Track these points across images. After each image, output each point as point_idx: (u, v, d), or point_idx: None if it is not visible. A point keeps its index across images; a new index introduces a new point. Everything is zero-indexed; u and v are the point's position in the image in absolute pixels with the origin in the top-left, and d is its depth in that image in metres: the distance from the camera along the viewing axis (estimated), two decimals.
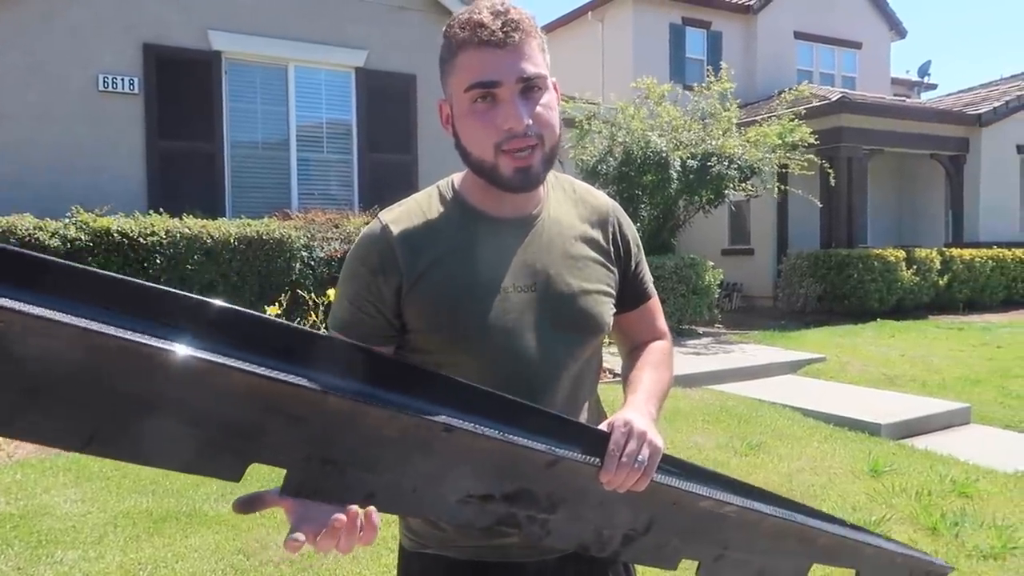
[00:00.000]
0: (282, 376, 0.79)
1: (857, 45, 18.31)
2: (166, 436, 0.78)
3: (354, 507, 0.87)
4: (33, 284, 0.69)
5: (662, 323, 1.37)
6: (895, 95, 19.26)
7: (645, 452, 1.01)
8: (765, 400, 6.15)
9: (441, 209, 1.20)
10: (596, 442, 1.02)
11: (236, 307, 0.83)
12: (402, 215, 1.18)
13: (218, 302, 0.81)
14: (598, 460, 1.00)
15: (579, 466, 1.00)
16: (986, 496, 4.08)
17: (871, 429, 5.35)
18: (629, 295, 1.30)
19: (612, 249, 1.26)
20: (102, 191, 6.89)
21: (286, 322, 0.88)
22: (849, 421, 5.50)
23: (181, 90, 7.80)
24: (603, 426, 1.06)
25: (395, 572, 1.35)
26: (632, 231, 1.32)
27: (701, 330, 9.88)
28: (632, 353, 1.33)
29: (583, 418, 1.23)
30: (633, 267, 1.30)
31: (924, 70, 22.95)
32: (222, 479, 0.83)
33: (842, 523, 1.29)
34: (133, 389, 0.75)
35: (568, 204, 1.27)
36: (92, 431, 0.76)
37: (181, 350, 0.74)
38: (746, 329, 10.29)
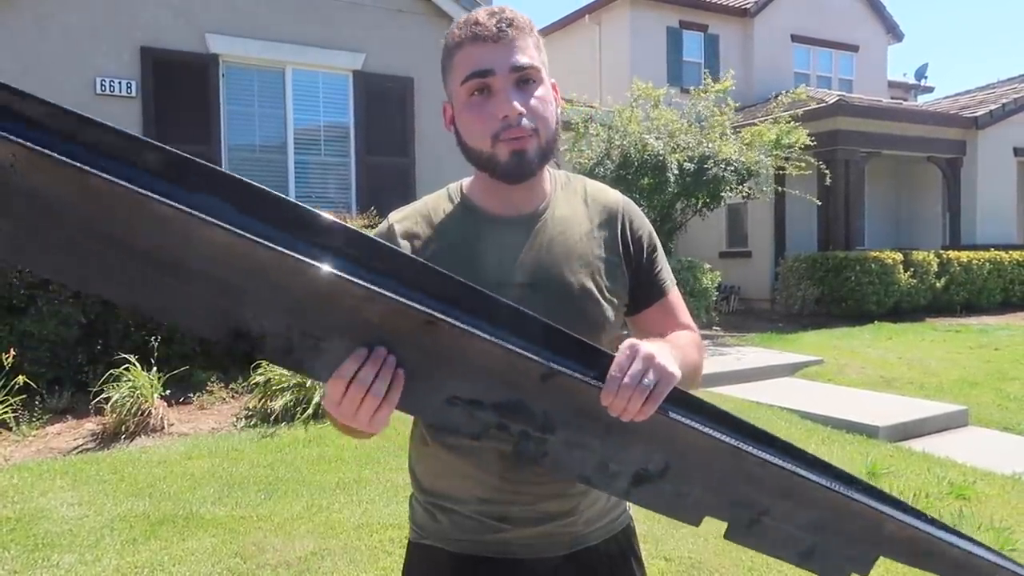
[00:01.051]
0: (263, 241, 0.81)
1: (854, 48, 18.35)
2: (153, 283, 0.83)
3: (382, 352, 0.89)
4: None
5: (686, 318, 1.32)
6: (892, 98, 19.30)
7: (651, 376, 0.93)
8: (763, 403, 6.15)
9: (447, 209, 1.24)
10: (602, 362, 0.96)
11: (244, 179, 0.90)
12: (409, 214, 1.24)
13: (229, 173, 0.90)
14: (600, 382, 0.94)
15: (578, 384, 0.94)
16: (984, 498, 4.08)
17: (869, 431, 5.35)
18: (644, 291, 1.27)
19: (621, 246, 1.25)
20: None
21: (288, 199, 0.91)
22: (847, 423, 5.50)
23: (178, 93, 7.80)
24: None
25: (394, 574, 1.35)
26: (644, 227, 1.30)
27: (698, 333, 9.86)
28: None
29: None
30: (645, 262, 1.27)
31: (921, 73, 23.03)
32: (204, 336, 0.89)
33: (927, 519, 1.11)
34: (124, 233, 0.81)
35: (577, 203, 1.27)
36: (89, 269, 0.83)
37: (171, 205, 0.79)
38: (744, 332, 10.29)
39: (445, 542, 1.23)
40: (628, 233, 1.27)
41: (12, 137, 0.75)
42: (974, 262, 12.69)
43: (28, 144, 0.76)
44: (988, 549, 1.14)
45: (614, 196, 1.31)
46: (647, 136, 9.67)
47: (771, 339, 9.56)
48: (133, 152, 0.84)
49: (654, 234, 1.31)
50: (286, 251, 0.82)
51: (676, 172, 9.38)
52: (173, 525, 3.59)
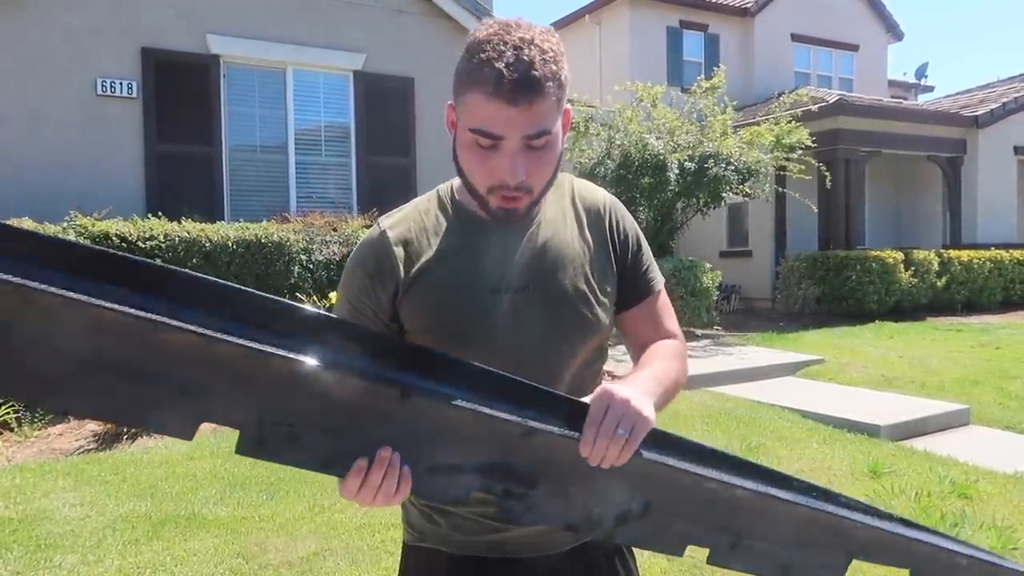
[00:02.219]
0: (221, 336, 0.80)
1: (854, 47, 18.34)
2: (114, 391, 0.81)
3: (386, 454, 0.92)
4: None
5: (672, 324, 1.31)
6: (892, 97, 19.29)
7: (628, 423, 0.95)
8: (764, 402, 6.15)
9: (438, 213, 1.23)
10: (578, 414, 0.98)
11: (190, 273, 0.88)
12: (400, 220, 1.22)
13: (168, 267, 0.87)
14: (577, 433, 0.96)
15: (556, 439, 0.96)
16: (986, 497, 4.08)
17: (870, 430, 5.35)
18: (629, 289, 1.27)
19: (609, 245, 1.26)
20: (100, 195, 6.89)
21: (245, 288, 0.90)
22: (848, 423, 5.50)
23: (180, 94, 7.81)
24: (588, 398, 1.01)
25: (395, 573, 1.35)
26: (630, 224, 1.30)
27: (700, 332, 9.88)
28: (640, 353, 1.28)
29: None
30: (631, 260, 1.27)
31: (921, 72, 23.00)
32: (175, 437, 0.86)
33: (893, 518, 1.17)
34: (74, 346, 0.78)
35: (565, 204, 1.27)
36: (43, 386, 0.80)
37: (116, 308, 0.77)
38: (745, 331, 10.29)
39: (444, 544, 1.23)
40: (615, 232, 1.27)
41: None
42: (975, 261, 12.68)
43: None
44: (959, 542, 1.20)
45: (601, 195, 1.31)
46: (647, 136, 9.67)
47: (772, 338, 9.55)
48: (69, 257, 0.81)
49: (640, 233, 1.32)
50: (247, 344, 0.82)
51: (677, 171, 9.38)
52: (175, 526, 3.59)
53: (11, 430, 4.92)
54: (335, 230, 7.01)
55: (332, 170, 8.74)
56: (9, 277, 0.73)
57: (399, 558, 1.32)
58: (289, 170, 8.44)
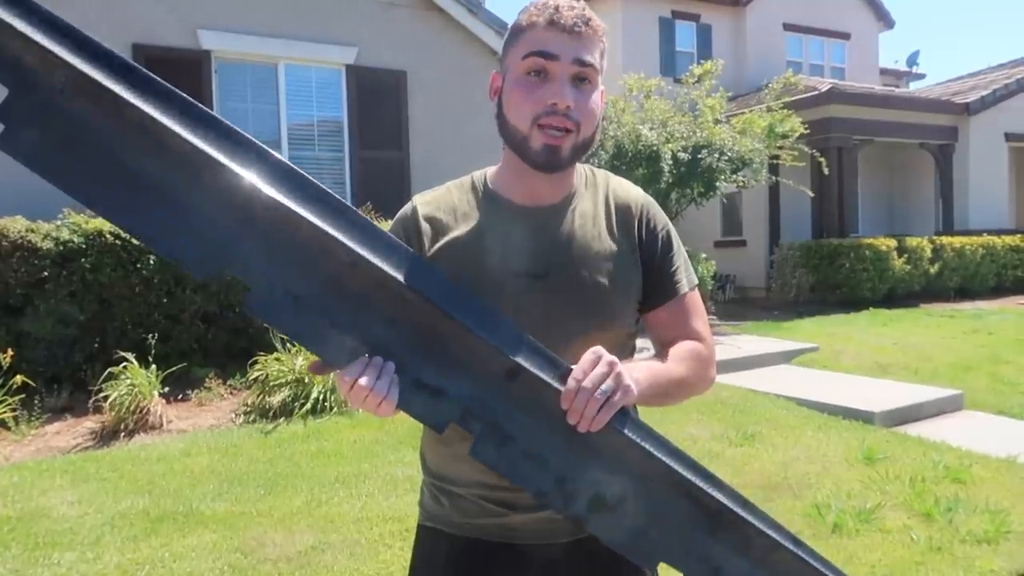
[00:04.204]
0: (266, 191, 0.90)
1: (846, 36, 18.34)
2: (156, 215, 0.90)
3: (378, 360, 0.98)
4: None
5: (700, 326, 1.28)
6: (884, 85, 19.30)
7: (610, 382, 0.98)
8: (759, 390, 6.18)
9: (470, 195, 1.27)
10: (567, 373, 1.00)
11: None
12: (432, 199, 1.28)
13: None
14: (561, 386, 0.98)
15: (541, 384, 0.98)
16: (979, 481, 4.11)
17: (865, 417, 5.38)
18: (655, 289, 1.26)
19: (636, 242, 1.26)
20: None
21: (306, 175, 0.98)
22: (843, 410, 5.54)
23: None
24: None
25: (392, 569, 1.37)
26: (662, 224, 1.30)
27: None
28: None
29: None
30: (658, 260, 1.27)
31: (912, 60, 23.02)
32: (191, 272, 0.93)
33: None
34: (141, 163, 0.90)
35: (599, 199, 1.28)
36: (101, 191, 0.90)
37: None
38: (740, 320, 10.32)
39: (448, 525, 1.25)
40: (644, 230, 1.27)
41: (70, 60, 0.83)
42: (967, 247, 12.73)
43: (84, 69, 0.83)
44: None
45: (635, 193, 1.32)
46: (641, 127, 9.67)
47: (767, 327, 9.59)
48: (168, 101, 0.91)
49: (673, 234, 1.31)
50: (284, 202, 0.89)
51: (670, 162, 9.38)
52: (173, 522, 3.60)
53: (8, 429, 4.91)
54: None
55: (325, 164, 8.72)
56: (117, 90, 0.87)
57: (398, 551, 1.35)
58: None
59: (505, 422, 0.99)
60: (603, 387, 0.98)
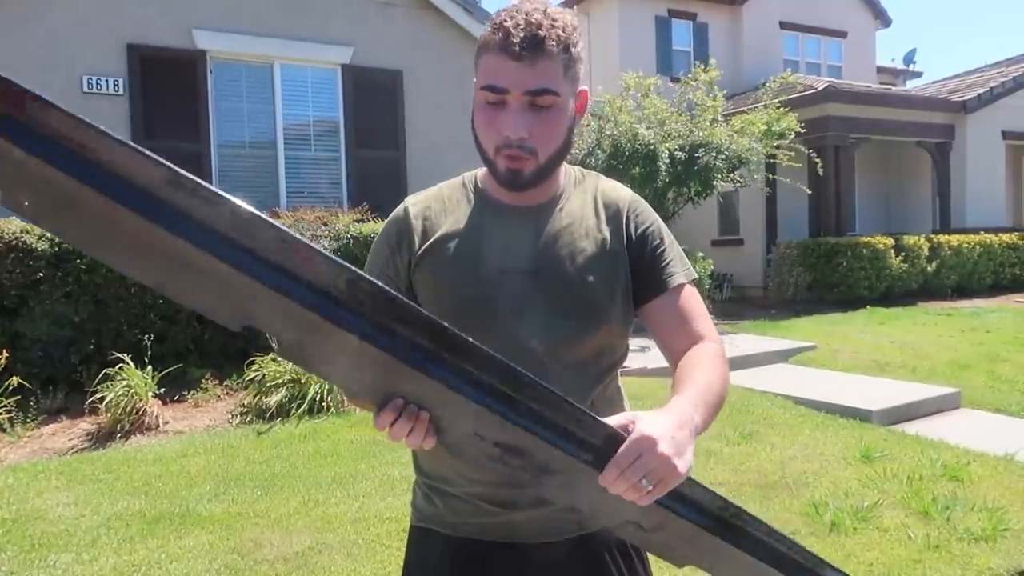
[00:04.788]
0: (263, 280, 0.85)
1: (842, 34, 18.35)
2: (173, 274, 0.86)
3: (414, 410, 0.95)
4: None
5: (702, 325, 1.23)
6: (881, 83, 19.32)
7: (655, 477, 0.89)
8: (757, 389, 6.18)
9: (460, 194, 1.29)
10: (609, 442, 0.93)
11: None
12: (423, 198, 1.30)
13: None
14: (597, 471, 0.93)
15: (575, 463, 0.94)
16: (977, 479, 4.11)
17: (862, 415, 5.38)
18: (645, 283, 1.25)
19: (625, 239, 1.25)
20: None
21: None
22: (840, 408, 5.53)
23: (166, 90, 7.75)
24: (624, 419, 0.94)
25: (389, 569, 1.36)
26: (650, 221, 1.28)
27: None
28: (677, 356, 1.22)
29: None
30: (648, 254, 1.25)
31: (909, 58, 23.04)
32: (217, 320, 0.89)
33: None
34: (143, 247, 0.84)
35: (587, 199, 1.28)
36: (109, 251, 0.86)
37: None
38: (737, 319, 10.32)
39: (442, 525, 1.25)
40: (632, 226, 1.27)
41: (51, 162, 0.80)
42: (964, 245, 12.74)
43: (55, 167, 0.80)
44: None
45: (624, 192, 1.32)
46: (638, 126, 9.66)
47: (764, 326, 9.59)
48: (157, 181, 0.84)
49: (664, 231, 1.29)
50: (284, 295, 0.85)
51: (667, 161, 9.38)
52: (170, 523, 3.59)
53: (3, 430, 4.90)
54: (325, 224, 6.98)
55: (322, 165, 8.70)
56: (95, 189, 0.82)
57: (395, 551, 1.34)
58: (278, 165, 8.40)
59: (542, 467, 0.97)
60: (643, 482, 0.89)
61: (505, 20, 1.12)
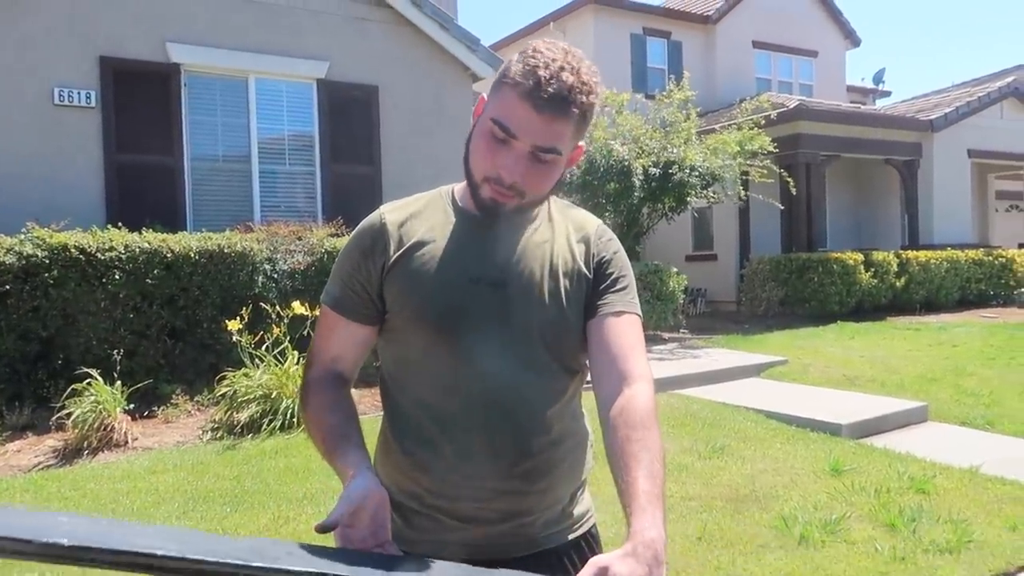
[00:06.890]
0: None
1: (813, 54, 18.70)
2: None
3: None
4: None
5: (634, 358, 1.20)
6: (851, 102, 19.68)
7: None
8: (729, 403, 6.23)
9: (436, 205, 1.31)
10: None
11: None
12: (399, 207, 1.31)
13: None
14: None
15: None
16: (942, 492, 4.18)
17: (832, 429, 5.45)
18: (592, 302, 1.26)
19: (587, 264, 1.28)
20: (58, 206, 6.76)
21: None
22: (811, 422, 5.60)
23: (140, 103, 7.69)
24: (595, 570, 0.87)
25: None
26: (615, 248, 1.31)
27: (666, 335, 9.98)
28: (606, 399, 1.19)
29: (551, 426, 1.23)
30: (604, 278, 1.27)
31: (878, 77, 23.54)
32: None
33: None
34: None
35: (558, 220, 1.32)
36: None
37: None
38: (710, 334, 10.41)
39: (403, 543, 1.23)
40: (594, 253, 1.30)
41: None
42: (932, 261, 12.98)
43: None
44: None
45: (590, 219, 1.36)
46: (612, 142, 9.76)
47: (737, 340, 9.68)
48: None
49: (624, 262, 1.31)
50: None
51: (642, 177, 9.48)
52: None
53: None
54: (300, 239, 6.96)
55: (297, 179, 8.68)
56: None
57: None
58: (253, 179, 8.36)
59: None
60: None
61: (539, 67, 1.12)
